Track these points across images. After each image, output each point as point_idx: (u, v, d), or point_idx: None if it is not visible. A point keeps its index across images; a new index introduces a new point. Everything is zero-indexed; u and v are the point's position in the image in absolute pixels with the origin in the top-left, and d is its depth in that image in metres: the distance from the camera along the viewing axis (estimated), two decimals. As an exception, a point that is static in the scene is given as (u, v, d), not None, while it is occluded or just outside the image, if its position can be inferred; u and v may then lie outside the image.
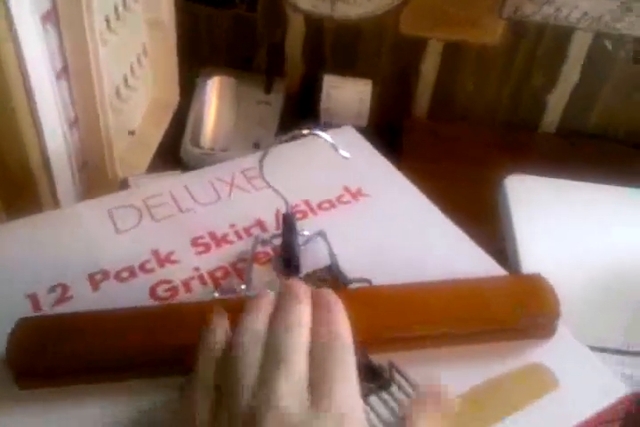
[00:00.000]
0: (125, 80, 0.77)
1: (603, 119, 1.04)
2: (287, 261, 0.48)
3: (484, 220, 0.78)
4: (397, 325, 0.40)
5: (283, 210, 0.49)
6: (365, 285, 0.46)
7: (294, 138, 0.48)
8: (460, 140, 1.02)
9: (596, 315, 0.57)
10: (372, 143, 0.79)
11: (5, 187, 0.60)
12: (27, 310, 0.44)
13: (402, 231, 0.51)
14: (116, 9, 0.71)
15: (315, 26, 1.00)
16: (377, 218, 0.52)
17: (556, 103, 1.03)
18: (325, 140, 0.44)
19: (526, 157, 0.99)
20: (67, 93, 0.63)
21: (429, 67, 1.02)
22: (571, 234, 0.67)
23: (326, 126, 0.98)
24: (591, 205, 0.71)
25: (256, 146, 0.96)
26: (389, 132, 1.02)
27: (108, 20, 0.69)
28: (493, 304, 0.42)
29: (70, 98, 0.64)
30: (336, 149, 0.44)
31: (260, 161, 0.45)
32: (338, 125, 0.98)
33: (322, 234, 0.49)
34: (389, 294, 0.42)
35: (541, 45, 0.99)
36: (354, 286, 0.46)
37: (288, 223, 0.48)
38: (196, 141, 0.94)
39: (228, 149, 0.94)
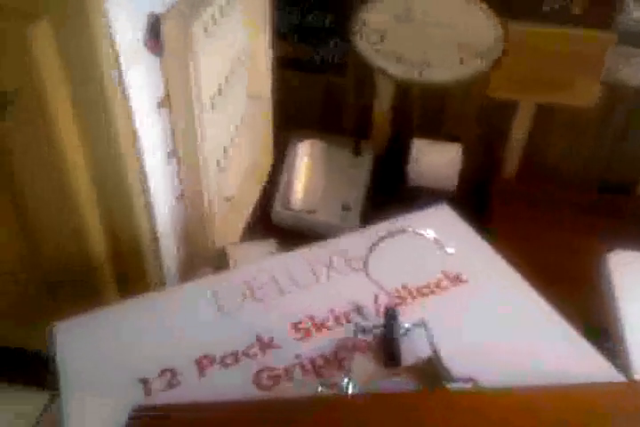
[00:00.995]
0: (225, 151, 0.81)
1: None
2: (388, 353, 0.48)
3: (580, 290, 0.76)
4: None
5: (381, 295, 0.50)
6: (470, 385, 0.45)
7: (392, 234, 0.49)
8: (552, 204, 1.00)
9: None
10: (462, 207, 0.78)
11: (117, 260, 0.64)
12: (140, 395, 0.46)
13: (505, 323, 0.50)
14: (220, 87, 0.75)
15: (403, 90, 1.02)
16: (478, 307, 0.52)
17: (655, 166, 1.00)
18: (428, 238, 0.44)
19: (621, 222, 0.96)
20: (175, 172, 0.67)
21: (520, 129, 1.01)
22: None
23: (418, 192, 0.99)
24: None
25: (345, 208, 0.98)
26: (479, 195, 1.01)
27: (213, 99, 0.74)
28: (606, 417, 0.41)
29: (178, 176, 0.68)
30: (441, 247, 0.44)
31: (365, 260, 0.46)
32: (427, 190, 0.99)
33: (423, 325, 0.49)
34: (496, 402, 0.41)
35: (638, 108, 0.97)
36: (457, 384, 0.45)
37: (390, 318, 0.49)
38: (286, 204, 0.97)
39: (318, 210, 0.97)
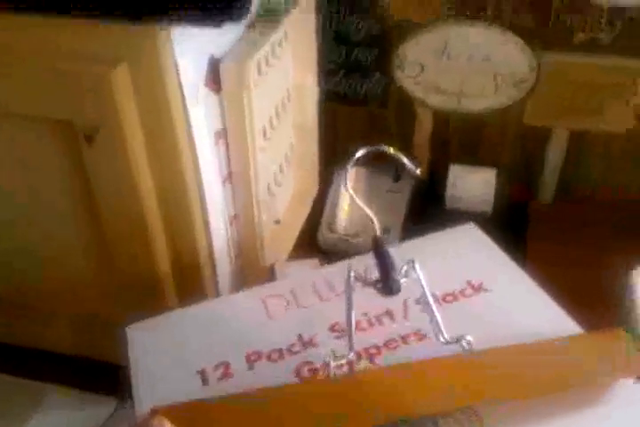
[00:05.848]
0: (275, 178, 0.89)
1: None
2: (386, 285, 0.53)
3: (609, 310, 0.79)
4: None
5: (409, 300, 0.56)
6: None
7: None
8: (587, 225, 1.03)
9: None
10: (497, 230, 0.82)
11: (178, 274, 0.72)
12: (197, 384, 0.53)
13: (518, 327, 0.55)
14: (270, 120, 0.84)
15: (441, 119, 1.09)
16: (495, 313, 0.57)
17: (690, 189, 1.02)
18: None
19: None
20: (230, 195, 0.76)
21: (554, 155, 1.06)
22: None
23: (454, 215, 1.04)
24: None
25: (386, 231, 1.04)
26: (514, 218, 1.06)
27: (264, 131, 0.82)
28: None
29: (232, 198, 0.76)
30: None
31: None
32: (464, 212, 1.04)
33: (411, 262, 0.54)
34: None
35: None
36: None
37: (378, 246, 0.54)
38: (331, 227, 1.04)
39: (360, 234, 1.03)
